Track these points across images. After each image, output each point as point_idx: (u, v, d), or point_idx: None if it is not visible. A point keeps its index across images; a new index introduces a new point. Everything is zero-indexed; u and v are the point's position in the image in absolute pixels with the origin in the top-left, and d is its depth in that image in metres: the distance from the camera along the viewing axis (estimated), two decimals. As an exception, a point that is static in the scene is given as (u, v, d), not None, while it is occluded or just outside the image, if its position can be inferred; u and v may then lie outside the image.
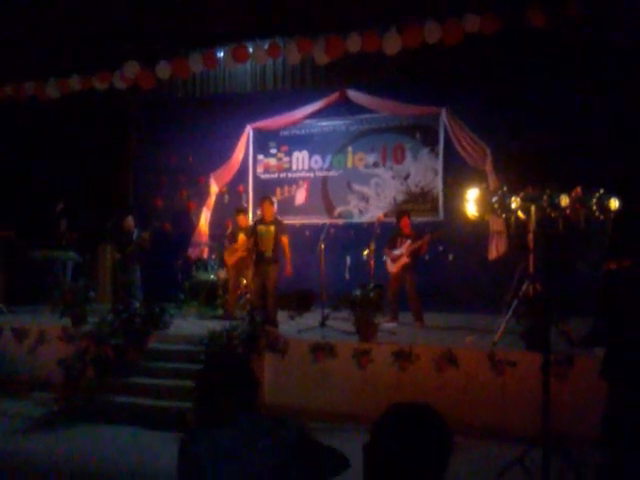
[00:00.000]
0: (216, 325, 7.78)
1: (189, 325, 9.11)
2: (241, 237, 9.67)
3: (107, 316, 8.11)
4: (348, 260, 10.24)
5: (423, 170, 10.99)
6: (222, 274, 10.33)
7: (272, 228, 8.48)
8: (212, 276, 10.63)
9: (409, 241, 8.91)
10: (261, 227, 8.54)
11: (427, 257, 9.79)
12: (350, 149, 11.53)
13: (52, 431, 6.73)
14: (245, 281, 9.92)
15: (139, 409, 6.90)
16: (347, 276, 10.09)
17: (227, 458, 2.25)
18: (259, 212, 8.95)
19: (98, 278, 11.24)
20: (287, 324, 8.68)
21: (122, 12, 9.35)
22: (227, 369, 2.48)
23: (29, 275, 10.57)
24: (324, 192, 11.69)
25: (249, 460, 2.24)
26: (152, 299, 8.66)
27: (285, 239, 8.57)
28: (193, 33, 9.66)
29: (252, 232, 8.64)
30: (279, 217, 9.07)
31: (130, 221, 10.47)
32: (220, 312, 9.82)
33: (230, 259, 9.76)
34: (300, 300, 9.18)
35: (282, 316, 8.85)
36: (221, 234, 11.09)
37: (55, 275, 10.48)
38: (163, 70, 9.77)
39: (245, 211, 10.38)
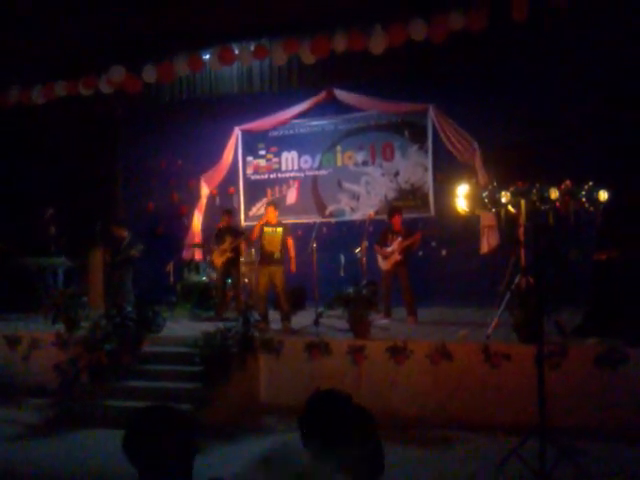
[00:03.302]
0: (209, 327, 7.77)
1: (182, 327, 9.09)
2: (228, 238, 9.73)
3: (100, 321, 8.09)
4: (342, 258, 10.23)
5: (412, 167, 11.01)
6: (213, 276, 10.35)
7: (279, 230, 8.72)
8: (204, 278, 10.63)
9: (400, 238, 8.93)
10: (267, 229, 8.74)
11: (420, 253, 9.83)
12: (339, 148, 11.53)
13: (48, 437, 6.69)
14: (231, 281, 10.00)
15: (135, 413, 6.86)
16: (342, 274, 10.09)
17: None
18: (264, 216, 8.99)
19: (89, 283, 11.16)
20: (280, 324, 8.66)
21: (106, 16, 9.31)
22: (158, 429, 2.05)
23: (20, 282, 10.50)
24: (315, 191, 11.69)
25: None
26: (144, 302, 8.65)
27: (290, 240, 8.80)
28: (178, 36, 9.63)
29: (259, 233, 8.77)
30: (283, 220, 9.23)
31: (122, 230, 10.42)
32: (212, 314, 9.81)
33: (218, 260, 9.79)
34: (293, 298, 9.16)
35: (274, 315, 8.84)
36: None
37: (46, 281, 10.43)
38: (149, 74, 9.74)
39: (230, 212, 10.42)
